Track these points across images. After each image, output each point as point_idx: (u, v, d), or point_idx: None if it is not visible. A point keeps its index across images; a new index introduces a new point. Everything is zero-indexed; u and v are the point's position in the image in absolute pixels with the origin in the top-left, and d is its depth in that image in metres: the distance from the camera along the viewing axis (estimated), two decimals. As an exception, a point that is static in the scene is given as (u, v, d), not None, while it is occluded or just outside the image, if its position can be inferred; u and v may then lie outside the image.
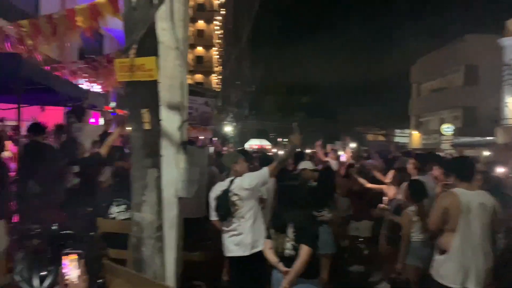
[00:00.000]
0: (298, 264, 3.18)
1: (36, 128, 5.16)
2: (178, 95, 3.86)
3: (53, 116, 9.72)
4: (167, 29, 3.58)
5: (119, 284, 3.37)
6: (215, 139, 17.74)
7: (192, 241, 4.44)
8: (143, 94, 3.18)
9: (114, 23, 5.65)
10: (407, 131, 35.26)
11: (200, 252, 4.82)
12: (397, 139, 33.78)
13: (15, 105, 4.86)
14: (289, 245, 3.25)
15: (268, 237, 3.42)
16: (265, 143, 28.70)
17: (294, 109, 40.88)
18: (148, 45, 3.07)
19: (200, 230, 4.79)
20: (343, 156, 8.19)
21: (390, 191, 5.49)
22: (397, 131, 36.51)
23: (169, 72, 3.70)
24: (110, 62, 7.56)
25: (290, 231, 3.25)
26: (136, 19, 2.98)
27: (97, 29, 5.01)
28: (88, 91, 7.12)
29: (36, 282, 2.76)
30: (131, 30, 2.99)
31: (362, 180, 6.05)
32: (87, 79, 8.18)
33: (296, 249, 3.23)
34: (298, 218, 3.26)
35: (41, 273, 2.75)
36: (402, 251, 4.24)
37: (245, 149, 7.93)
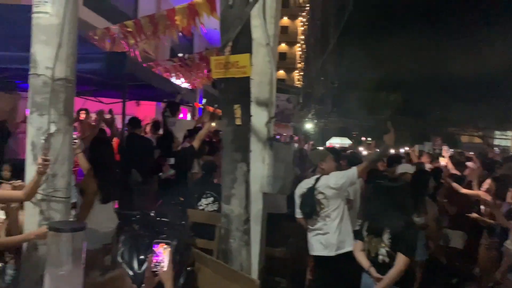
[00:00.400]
0: (393, 273, 3.02)
1: (135, 122, 5.64)
2: (267, 91, 3.92)
3: (147, 110, 10.48)
4: (258, 26, 3.65)
5: (207, 273, 3.51)
6: (295, 136, 17.70)
7: (275, 236, 4.48)
8: (235, 90, 3.26)
9: (205, 22, 5.89)
10: (509, 133, 31.82)
11: (283, 248, 4.83)
12: (497, 142, 30.65)
13: (120, 100, 5.34)
14: (383, 250, 3.09)
15: (360, 238, 3.30)
16: (347, 142, 27.95)
17: (380, 107, 39.07)
18: (242, 42, 3.13)
19: (283, 226, 4.80)
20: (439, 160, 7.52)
21: (489, 198, 4.97)
22: (497, 132, 33.08)
23: (259, 69, 3.77)
24: (201, 60, 7.94)
25: (386, 237, 3.09)
26: (232, 17, 3.05)
27: (194, 28, 5.26)
28: (181, 87, 7.54)
29: (135, 265, 3.00)
30: (227, 28, 3.08)
31: (456, 186, 5.57)
32: (178, 76, 8.68)
33: (391, 256, 3.06)
34: (396, 224, 3.08)
35: (140, 257, 2.99)
36: (506, 264, 3.83)
37: (335, 147, 7.78)
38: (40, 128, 2.67)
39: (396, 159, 5.42)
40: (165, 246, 2.33)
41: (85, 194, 3.66)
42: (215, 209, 4.53)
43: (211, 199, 4.65)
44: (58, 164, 2.69)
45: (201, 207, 4.63)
